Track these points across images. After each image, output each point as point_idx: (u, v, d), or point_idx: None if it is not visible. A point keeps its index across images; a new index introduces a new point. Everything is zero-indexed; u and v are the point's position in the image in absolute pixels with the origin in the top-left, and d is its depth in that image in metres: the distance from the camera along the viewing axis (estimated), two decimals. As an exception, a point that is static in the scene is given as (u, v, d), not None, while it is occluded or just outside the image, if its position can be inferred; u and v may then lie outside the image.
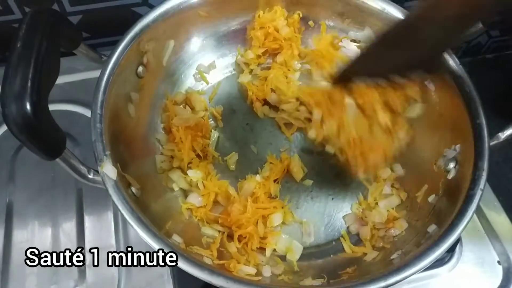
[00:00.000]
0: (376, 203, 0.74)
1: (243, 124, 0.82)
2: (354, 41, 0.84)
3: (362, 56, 0.67)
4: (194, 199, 0.71)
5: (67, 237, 0.74)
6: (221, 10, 0.80)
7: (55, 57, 0.54)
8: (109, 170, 0.58)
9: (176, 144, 0.74)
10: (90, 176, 0.58)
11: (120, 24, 0.73)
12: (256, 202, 0.71)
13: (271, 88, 0.83)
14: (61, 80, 0.87)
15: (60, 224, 0.75)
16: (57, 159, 0.53)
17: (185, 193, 0.73)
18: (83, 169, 0.57)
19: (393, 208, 0.74)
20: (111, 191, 0.57)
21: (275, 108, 0.84)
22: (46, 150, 0.51)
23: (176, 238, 0.61)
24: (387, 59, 0.65)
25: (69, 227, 0.75)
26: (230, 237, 0.69)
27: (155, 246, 0.55)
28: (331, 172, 0.78)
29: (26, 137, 0.48)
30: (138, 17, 0.72)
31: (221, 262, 0.61)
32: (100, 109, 0.62)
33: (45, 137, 0.50)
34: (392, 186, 0.76)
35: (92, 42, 0.95)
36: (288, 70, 0.85)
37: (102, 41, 0.96)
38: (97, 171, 0.58)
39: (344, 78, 0.69)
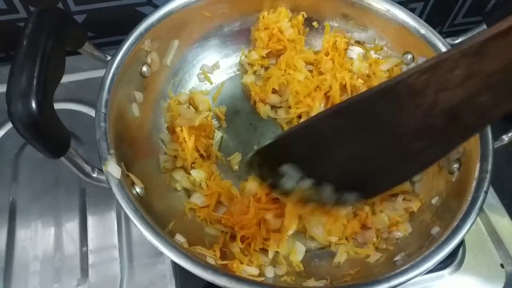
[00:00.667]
0: (381, 211, 0.74)
1: (247, 124, 0.83)
2: (358, 42, 0.84)
3: (307, 127, 0.52)
4: (197, 199, 0.71)
5: (70, 236, 0.74)
6: (226, 10, 0.80)
7: (60, 55, 0.54)
8: (113, 169, 0.58)
9: (179, 144, 0.74)
10: (94, 175, 0.58)
11: (124, 24, 0.72)
12: (258, 203, 0.71)
13: (273, 88, 0.83)
14: (65, 79, 0.86)
15: (63, 224, 0.75)
16: (62, 158, 0.54)
17: (189, 193, 0.74)
18: (88, 168, 0.57)
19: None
20: (115, 190, 0.58)
21: (278, 109, 0.84)
22: (50, 148, 0.51)
23: (179, 238, 0.61)
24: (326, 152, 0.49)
25: (72, 226, 0.75)
26: (233, 237, 0.69)
27: (158, 245, 0.55)
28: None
29: (31, 135, 0.48)
30: (143, 16, 0.72)
31: (224, 262, 0.61)
32: (104, 108, 0.62)
33: (50, 135, 0.50)
34: (404, 199, 0.74)
35: (96, 42, 0.95)
36: (294, 70, 0.85)
37: (107, 40, 0.96)
38: (101, 170, 0.59)
39: (267, 159, 0.55)
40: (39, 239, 0.73)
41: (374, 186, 0.53)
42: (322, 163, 0.51)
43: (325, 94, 0.82)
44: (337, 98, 0.80)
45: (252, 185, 0.72)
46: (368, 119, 0.46)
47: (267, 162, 0.55)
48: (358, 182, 0.52)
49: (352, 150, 0.49)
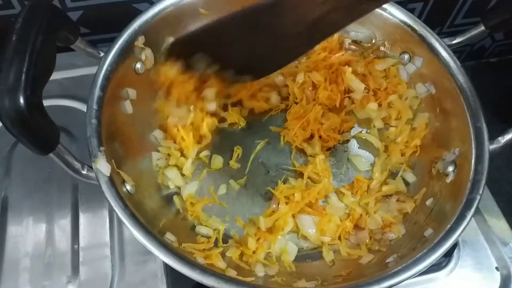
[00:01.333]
0: (375, 212, 0.73)
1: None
2: (355, 41, 0.83)
3: (213, 26, 0.66)
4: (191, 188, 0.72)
5: (62, 233, 0.74)
6: (221, 8, 0.78)
7: (50, 51, 0.53)
8: (103, 166, 0.58)
9: (178, 144, 0.74)
10: (84, 172, 0.58)
11: (121, 20, 0.72)
12: None
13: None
14: (60, 75, 0.88)
15: (55, 220, 0.75)
16: (51, 154, 0.53)
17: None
18: (77, 165, 0.57)
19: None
20: (104, 187, 0.57)
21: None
22: (39, 145, 0.51)
23: (169, 237, 0.61)
24: (238, 40, 0.66)
25: (64, 223, 0.74)
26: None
27: (146, 244, 0.54)
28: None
29: (18, 131, 0.48)
30: (139, 13, 0.71)
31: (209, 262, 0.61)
32: (96, 105, 0.62)
33: (38, 132, 0.50)
34: (397, 200, 0.74)
35: (92, 38, 0.95)
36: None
37: (103, 37, 0.96)
38: (91, 167, 0.58)
39: (183, 48, 0.69)
40: (30, 235, 0.73)
41: (263, 69, 0.72)
42: (225, 53, 0.67)
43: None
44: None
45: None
46: (258, 23, 0.63)
47: (183, 52, 0.68)
48: (252, 67, 0.69)
49: (247, 43, 0.66)
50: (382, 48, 0.82)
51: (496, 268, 0.76)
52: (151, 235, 0.55)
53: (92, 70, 0.79)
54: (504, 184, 0.91)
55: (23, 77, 0.47)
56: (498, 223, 0.81)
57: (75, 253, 0.72)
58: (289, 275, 0.65)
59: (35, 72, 0.48)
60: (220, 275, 0.54)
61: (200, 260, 0.59)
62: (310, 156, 0.78)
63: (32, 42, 0.49)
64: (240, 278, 0.58)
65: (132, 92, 0.71)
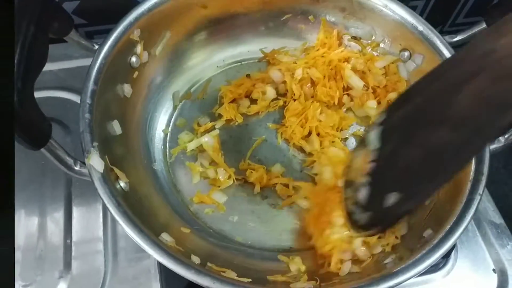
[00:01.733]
0: None
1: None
2: (354, 38, 0.82)
3: None
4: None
5: (54, 226, 0.73)
6: (218, 3, 0.78)
7: (43, 43, 0.52)
8: (96, 162, 0.56)
9: None
10: (77, 168, 0.56)
11: (118, 11, 0.70)
12: None
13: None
14: (55, 66, 0.86)
15: (47, 213, 0.74)
16: (42, 149, 0.52)
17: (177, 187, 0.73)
18: (70, 161, 0.56)
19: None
20: (97, 184, 0.56)
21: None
22: (30, 139, 0.50)
23: (165, 237, 0.59)
24: None
25: (56, 216, 0.73)
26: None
27: (141, 243, 0.53)
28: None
29: (9, 125, 0.47)
30: (137, 4, 0.70)
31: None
32: (89, 99, 0.60)
33: (30, 126, 0.49)
34: None
35: (89, 29, 0.94)
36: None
37: (100, 28, 0.94)
38: (85, 163, 0.57)
39: None
40: (22, 228, 0.72)
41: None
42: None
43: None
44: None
45: None
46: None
47: None
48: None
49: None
50: (382, 45, 0.81)
51: (493, 270, 0.75)
52: (144, 234, 0.54)
53: (88, 61, 0.78)
54: (502, 185, 0.90)
55: (14, 70, 0.46)
56: (496, 224, 0.80)
57: (67, 247, 0.71)
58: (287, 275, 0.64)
59: (26, 65, 0.47)
60: (215, 275, 0.53)
61: (195, 259, 0.57)
62: (310, 153, 0.77)
63: (23, 34, 0.48)
64: (236, 278, 0.57)
65: (127, 87, 0.70)
